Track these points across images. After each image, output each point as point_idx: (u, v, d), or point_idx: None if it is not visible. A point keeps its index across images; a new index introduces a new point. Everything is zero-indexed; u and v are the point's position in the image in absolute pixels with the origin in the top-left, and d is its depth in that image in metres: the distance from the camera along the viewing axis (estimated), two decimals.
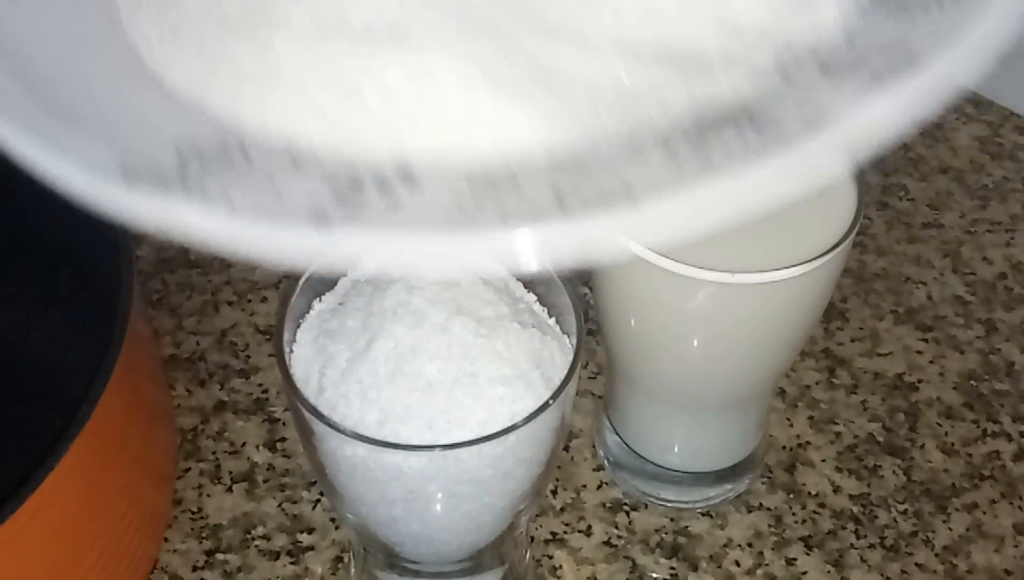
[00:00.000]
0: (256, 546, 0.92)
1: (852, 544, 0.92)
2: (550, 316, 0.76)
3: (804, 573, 0.90)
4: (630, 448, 0.96)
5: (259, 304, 1.09)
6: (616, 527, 0.93)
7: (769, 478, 0.96)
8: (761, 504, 0.95)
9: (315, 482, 0.95)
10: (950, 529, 0.92)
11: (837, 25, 0.44)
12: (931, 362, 1.03)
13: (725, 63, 0.44)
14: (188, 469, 0.97)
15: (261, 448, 0.98)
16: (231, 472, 0.97)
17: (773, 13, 0.46)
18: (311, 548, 0.93)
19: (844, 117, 0.39)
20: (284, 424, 0.98)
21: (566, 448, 0.99)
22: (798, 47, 0.44)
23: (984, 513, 0.93)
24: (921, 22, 0.43)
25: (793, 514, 0.94)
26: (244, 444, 0.98)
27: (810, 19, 0.45)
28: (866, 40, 0.43)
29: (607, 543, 0.92)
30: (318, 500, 0.95)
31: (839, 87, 0.40)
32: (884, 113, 0.39)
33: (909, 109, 0.39)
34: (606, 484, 0.97)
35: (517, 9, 0.45)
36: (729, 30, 0.45)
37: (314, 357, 0.72)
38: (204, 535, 0.92)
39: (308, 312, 0.75)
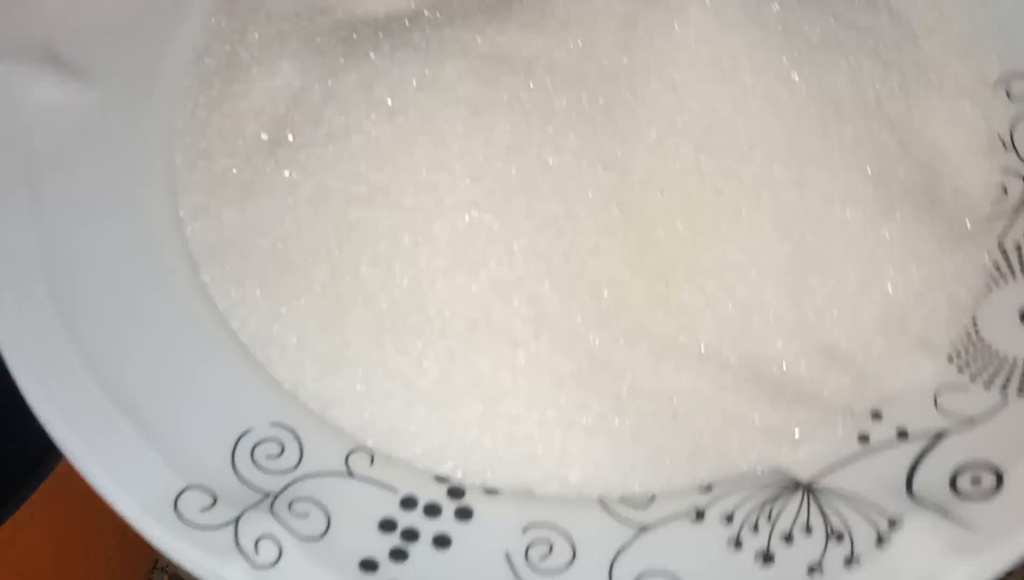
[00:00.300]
0: None
1: None
2: None
3: None
4: None
5: None
6: None
7: None
8: None
9: None
10: None
11: (929, 388, 0.42)
12: None
13: (809, 406, 0.42)
14: None
15: None
16: None
17: (870, 352, 0.44)
18: None
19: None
20: None
21: None
22: (888, 410, 0.42)
23: None
24: (1012, 404, 0.41)
25: None
26: None
27: (906, 370, 0.43)
28: (954, 419, 0.41)
29: None
30: None
31: (916, 506, 0.39)
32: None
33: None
34: None
35: (598, 306, 0.43)
36: (826, 363, 0.43)
37: None
38: None
39: None
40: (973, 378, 0.39)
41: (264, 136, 0.44)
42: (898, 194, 0.43)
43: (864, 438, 0.38)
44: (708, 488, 0.38)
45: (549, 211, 0.41)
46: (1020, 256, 0.42)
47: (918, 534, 0.35)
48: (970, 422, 0.38)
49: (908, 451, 0.38)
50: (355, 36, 0.45)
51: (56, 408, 0.37)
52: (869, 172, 0.42)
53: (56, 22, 0.47)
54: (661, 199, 0.42)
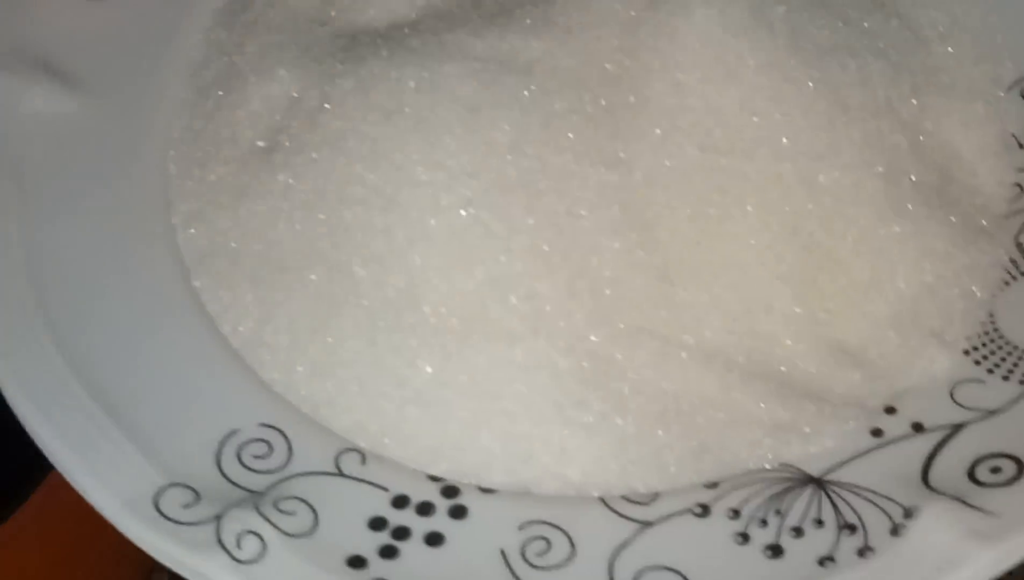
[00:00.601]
0: None
1: None
2: None
3: None
4: None
5: None
6: None
7: None
8: None
9: None
10: None
11: (945, 382, 0.41)
12: None
13: (819, 402, 0.41)
14: None
15: None
16: None
17: (882, 348, 0.42)
18: None
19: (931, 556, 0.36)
20: None
21: None
22: (902, 404, 0.41)
23: None
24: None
25: None
26: None
27: (921, 364, 0.42)
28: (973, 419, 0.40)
29: None
30: None
31: (933, 495, 0.38)
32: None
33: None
34: None
35: (599, 304, 0.41)
36: (837, 360, 0.41)
37: None
38: None
39: None
40: (991, 371, 0.38)
41: (260, 143, 0.44)
42: (910, 192, 0.41)
43: (877, 432, 0.37)
44: (714, 485, 0.36)
45: (549, 210, 0.40)
46: None
47: (936, 521, 0.33)
48: (988, 414, 0.36)
49: (924, 444, 0.36)
50: (354, 44, 0.44)
51: (35, 404, 0.37)
52: (880, 170, 0.41)
53: (51, 31, 0.46)
54: (665, 198, 0.41)
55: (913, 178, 0.42)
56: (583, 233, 0.40)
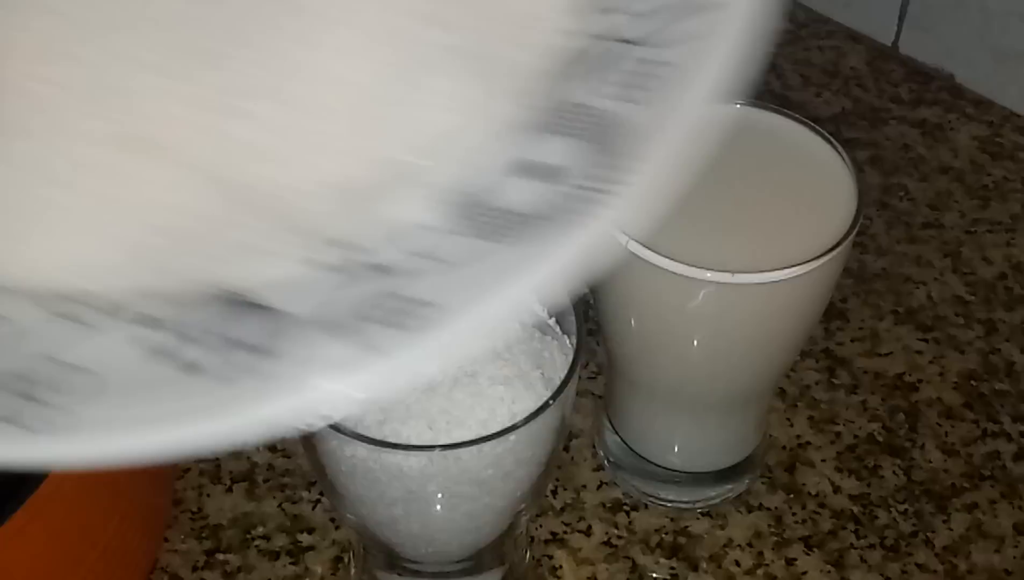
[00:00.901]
0: (256, 546, 0.92)
1: (852, 544, 0.88)
2: (550, 316, 0.75)
3: (804, 573, 0.89)
4: (630, 448, 0.95)
5: None
6: (616, 527, 0.91)
7: (769, 478, 0.93)
8: (761, 504, 0.91)
9: (315, 482, 0.94)
10: (950, 529, 0.90)
11: (409, 226, 0.43)
12: (931, 362, 0.99)
13: (301, 235, 0.43)
14: (188, 469, 0.97)
15: (261, 448, 0.93)
16: (231, 472, 0.98)
17: (367, 187, 0.44)
18: (311, 548, 0.93)
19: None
20: None
21: (566, 448, 0.97)
22: (360, 242, 0.43)
23: (984, 513, 0.91)
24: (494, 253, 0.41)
25: (793, 514, 0.92)
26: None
27: (397, 209, 0.44)
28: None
29: (607, 543, 0.90)
30: (318, 500, 0.95)
31: (317, 328, 0.39)
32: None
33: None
34: (606, 484, 0.94)
35: (121, 112, 0.45)
36: (326, 193, 0.44)
37: None
38: (204, 535, 0.93)
39: None
40: (459, 223, 0.41)
41: None
42: (448, 47, 0.45)
43: (317, 263, 0.41)
44: (161, 296, 0.40)
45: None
46: (561, 115, 0.43)
47: (303, 349, 0.37)
48: (440, 262, 0.40)
49: (345, 280, 0.40)
50: None
51: None
52: (412, 24, 0.45)
53: None
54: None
55: (457, 34, 0.45)
56: (128, 52, 0.44)
